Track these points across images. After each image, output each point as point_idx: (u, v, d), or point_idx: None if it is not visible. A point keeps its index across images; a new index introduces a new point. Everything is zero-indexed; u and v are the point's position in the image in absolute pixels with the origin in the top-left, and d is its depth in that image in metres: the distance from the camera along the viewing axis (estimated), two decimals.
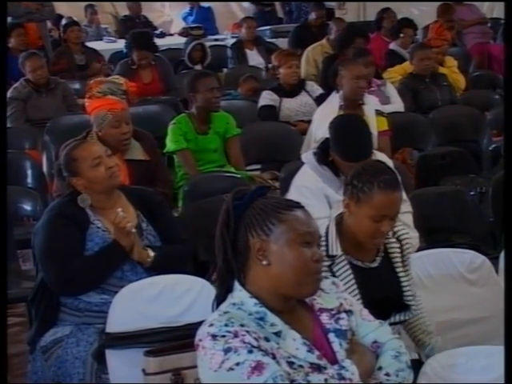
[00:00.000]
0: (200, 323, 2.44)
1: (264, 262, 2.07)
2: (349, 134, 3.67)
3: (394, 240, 2.82)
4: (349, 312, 2.23)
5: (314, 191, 3.57)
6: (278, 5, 12.15)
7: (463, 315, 3.09)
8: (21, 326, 4.40)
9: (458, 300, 3.12)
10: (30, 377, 3.22)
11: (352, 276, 2.72)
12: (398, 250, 2.82)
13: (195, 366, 2.77)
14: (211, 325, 2.04)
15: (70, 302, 3.18)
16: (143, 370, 2.83)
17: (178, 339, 2.88)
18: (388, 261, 2.81)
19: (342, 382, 2.02)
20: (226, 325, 2.02)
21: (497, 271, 3.22)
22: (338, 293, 2.26)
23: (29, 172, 5.13)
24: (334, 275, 2.68)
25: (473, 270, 3.18)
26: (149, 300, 3.00)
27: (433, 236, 4.09)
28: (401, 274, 2.80)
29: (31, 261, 3.66)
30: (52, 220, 3.20)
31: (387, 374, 2.20)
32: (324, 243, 2.74)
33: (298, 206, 2.13)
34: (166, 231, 3.35)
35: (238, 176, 4.75)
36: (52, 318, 3.20)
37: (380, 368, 2.21)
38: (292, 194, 3.72)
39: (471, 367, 2.47)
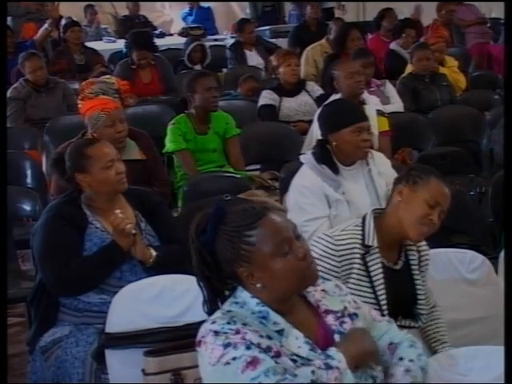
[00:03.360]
0: (200, 323, 2.43)
1: (258, 286, 2.08)
2: (338, 104, 3.85)
3: (414, 248, 2.87)
4: (353, 315, 2.23)
5: (314, 190, 3.57)
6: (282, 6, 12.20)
7: (463, 315, 3.09)
8: (20, 326, 4.40)
9: (457, 300, 3.12)
10: (30, 377, 3.22)
11: (381, 270, 2.76)
12: (416, 260, 2.87)
13: (195, 366, 2.77)
14: (213, 322, 2.05)
15: (69, 302, 3.18)
16: (143, 370, 2.83)
17: (177, 339, 2.88)
18: (408, 267, 2.85)
19: (330, 371, 2.01)
20: (229, 323, 2.03)
21: (496, 271, 3.22)
22: (341, 296, 2.26)
23: (28, 172, 5.13)
24: (366, 265, 2.73)
25: (472, 270, 3.18)
26: (148, 300, 2.99)
27: (433, 236, 4.08)
28: (417, 282, 2.85)
29: (31, 261, 3.66)
30: (50, 220, 3.20)
31: (411, 361, 2.23)
32: (360, 232, 2.78)
33: (260, 215, 2.08)
34: (165, 231, 3.34)
35: (238, 176, 4.74)
36: (51, 318, 3.20)
37: (401, 358, 2.23)
38: (292, 194, 3.72)
39: (471, 367, 2.47)
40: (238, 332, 2.00)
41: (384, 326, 2.33)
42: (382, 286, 2.74)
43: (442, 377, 2.46)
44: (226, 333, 2.01)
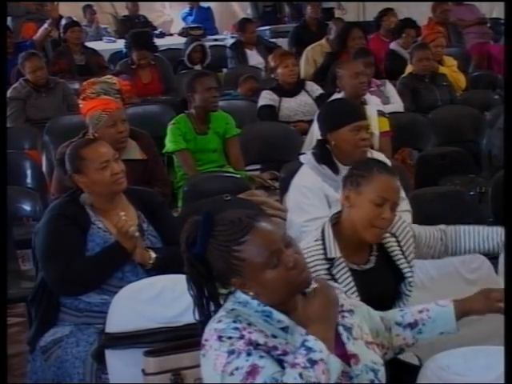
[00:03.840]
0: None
1: (251, 294, 2.10)
2: (336, 103, 3.85)
3: (388, 235, 2.80)
4: (350, 311, 2.25)
5: (314, 191, 3.57)
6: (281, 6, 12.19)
7: None
8: (20, 326, 4.40)
9: None
10: (30, 377, 3.22)
11: (351, 278, 2.69)
12: (396, 244, 2.80)
13: (195, 366, 2.77)
14: (219, 321, 2.06)
15: (69, 302, 3.18)
16: (143, 370, 2.83)
17: (177, 339, 2.88)
18: (384, 258, 2.79)
19: (316, 367, 1.98)
20: (235, 321, 2.04)
21: (496, 271, 3.22)
22: (337, 294, 2.26)
23: (28, 172, 5.13)
24: (333, 278, 2.66)
25: (473, 270, 3.18)
26: (148, 300, 2.99)
27: None
28: (401, 262, 2.78)
29: (31, 261, 3.66)
30: (53, 220, 3.20)
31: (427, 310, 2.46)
32: (321, 246, 2.71)
33: (247, 229, 2.07)
34: (167, 232, 3.34)
35: (238, 176, 4.74)
36: (52, 318, 3.20)
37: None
38: (292, 194, 3.72)
39: (470, 367, 2.46)
40: (242, 336, 2.01)
41: (377, 313, 2.42)
42: (356, 294, 2.67)
43: (441, 377, 2.45)
44: (230, 338, 2.01)
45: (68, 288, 3.15)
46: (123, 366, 2.93)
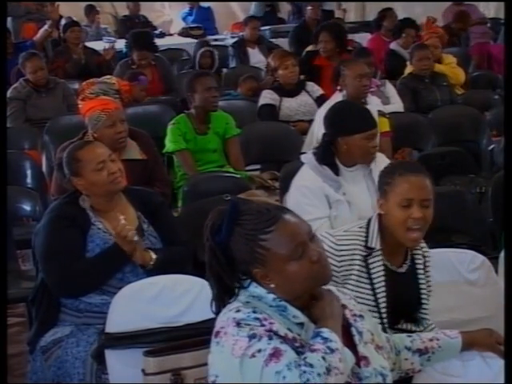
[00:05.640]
0: (200, 323, 2.43)
1: (272, 286, 2.09)
2: (351, 107, 3.78)
3: (420, 252, 2.83)
4: (361, 316, 2.26)
5: (314, 191, 3.57)
6: (280, 5, 12.19)
7: (463, 315, 3.08)
8: (20, 326, 4.40)
9: (457, 300, 3.12)
10: (30, 377, 3.21)
11: (383, 273, 2.72)
12: (422, 264, 2.83)
13: (195, 366, 2.78)
14: (238, 311, 2.05)
15: (70, 303, 3.18)
16: (143, 370, 2.83)
17: (177, 339, 2.88)
18: (413, 271, 2.81)
19: (334, 354, 2.01)
20: (254, 312, 2.04)
21: (496, 271, 3.22)
22: (346, 300, 2.27)
23: (28, 172, 5.13)
24: (367, 267, 2.70)
25: (473, 270, 3.17)
26: (148, 300, 2.99)
27: (432, 236, 4.08)
28: (422, 286, 2.81)
29: (31, 261, 3.66)
30: (53, 221, 3.19)
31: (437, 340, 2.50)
32: (364, 233, 2.75)
33: (275, 219, 2.09)
34: (167, 232, 3.34)
35: (238, 176, 4.74)
36: (52, 318, 3.20)
37: (410, 335, 2.52)
38: (292, 194, 3.72)
39: (466, 368, 2.47)
40: (262, 324, 2.01)
41: (384, 333, 2.42)
42: (383, 289, 2.70)
43: (438, 379, 2.46)
44: (249, 324, 2.01)
45: (68, 290, 3.14)
46: (123, 366, 2.93)
